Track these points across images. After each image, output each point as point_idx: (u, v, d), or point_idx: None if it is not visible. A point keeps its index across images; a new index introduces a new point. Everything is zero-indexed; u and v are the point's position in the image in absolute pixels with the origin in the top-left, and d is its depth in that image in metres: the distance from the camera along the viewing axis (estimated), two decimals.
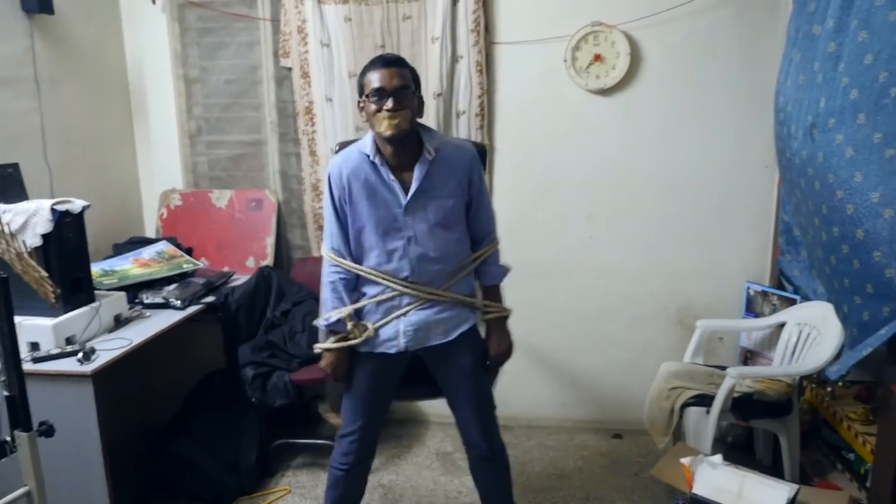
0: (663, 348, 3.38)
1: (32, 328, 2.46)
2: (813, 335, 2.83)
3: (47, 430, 1.89)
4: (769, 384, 2.82)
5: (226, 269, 3.51)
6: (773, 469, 2.93)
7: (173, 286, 3.09)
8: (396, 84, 2.04)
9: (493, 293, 2.34)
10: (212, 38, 3.58)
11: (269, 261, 3.53)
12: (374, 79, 2.06)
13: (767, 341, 3.17)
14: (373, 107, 2.06)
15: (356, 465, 2.32)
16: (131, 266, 3.16)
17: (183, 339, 3.01)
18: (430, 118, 3.31)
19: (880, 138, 1.78)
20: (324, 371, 2.26)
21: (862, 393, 2.81)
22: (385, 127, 2.04)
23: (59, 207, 2.51)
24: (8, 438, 1.83)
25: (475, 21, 3.26)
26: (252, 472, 3.06)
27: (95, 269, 2.94)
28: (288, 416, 3.39)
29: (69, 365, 2.36)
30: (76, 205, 2.59)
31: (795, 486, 2.21)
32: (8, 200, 2.57)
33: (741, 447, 3.24)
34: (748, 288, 3.29)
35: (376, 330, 2.20)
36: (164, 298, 2.97)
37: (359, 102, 2.14)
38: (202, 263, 3.45)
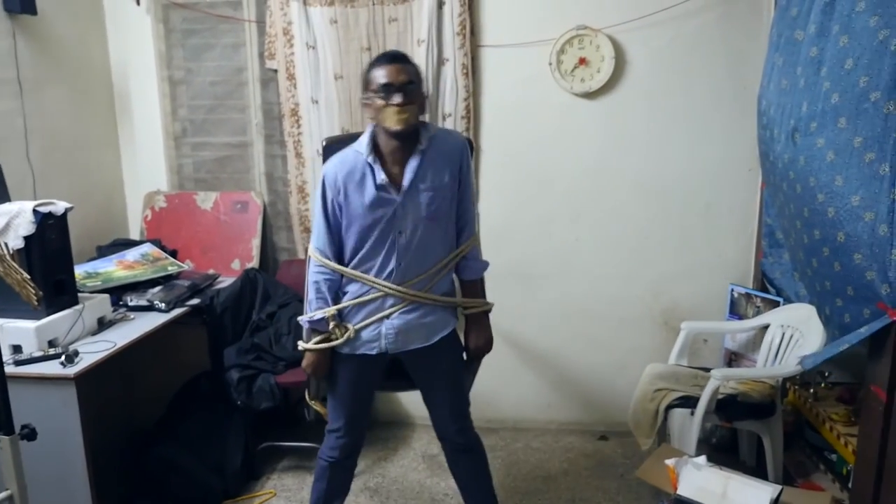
0: (648, 350, 3.40)
1: (15, 330, 2.44)
2: (796, 337, 2.85)
3: (29, 434, 1.88)
4: (753, 386, 2.84)
5: (211, 271, 3.50)
6: (757, 470, 2.95)
7: (158, 288, 3.08)
8: (403, 79, 2.06)
9: (473, 287, 2.36)
10: (197, 39, 3.56)
11: (254, 263, 3.51)
12: (382, 74, 2.06)
13: (751, 343, 3.20)
14: (380, 102, 2.06)
15: (343, 460, 2.39)
16: (115, 268, 3.14)
17: (168, 341, 3.00)
18: None
19: (860, 142, 1.79)
20: (305, 370, 2.30)
21: (844, 394, 2.84)
22: (394, 122, 2.05)
23: (42, 209, 2.50)
24: None
25: (461, 24, 3.27)
26: (237, 475, 3.05)
27: (79, 271, 2.92)
28: (273, 419, 3.38)
29: (52, 368, 2.34)
30: (59, 206, 2.57)
31: (779, 487, 2.23)
32: None
33: (725, 448, 3.26)
34: (732, 290, 3.31)
35: (357, 332, 2.22)
36: (148, 301, 2.96)
37: (362, 99, 2.15)
38: (187, 266, 3.43)
